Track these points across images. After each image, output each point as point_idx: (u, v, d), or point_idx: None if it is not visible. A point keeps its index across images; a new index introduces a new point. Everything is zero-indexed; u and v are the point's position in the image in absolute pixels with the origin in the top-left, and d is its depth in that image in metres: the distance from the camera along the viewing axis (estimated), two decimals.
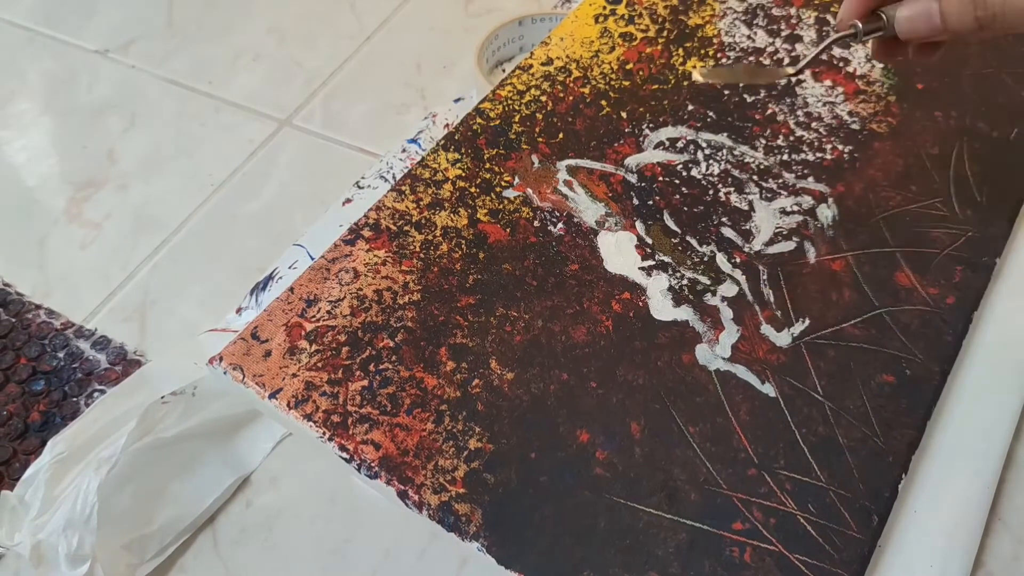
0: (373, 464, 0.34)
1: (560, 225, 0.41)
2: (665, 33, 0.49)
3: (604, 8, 0.51)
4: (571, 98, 0.46)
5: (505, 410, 0.35)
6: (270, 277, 0.47)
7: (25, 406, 0.44)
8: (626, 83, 0.47)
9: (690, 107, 0.45)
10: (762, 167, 0.43)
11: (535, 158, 0.44)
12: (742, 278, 0.39)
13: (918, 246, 0.39)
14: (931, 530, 0.33)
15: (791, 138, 0.44)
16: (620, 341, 0.37)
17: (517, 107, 0.46)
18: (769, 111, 0.45)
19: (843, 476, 0.33)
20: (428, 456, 0.34)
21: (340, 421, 0.35)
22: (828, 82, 0.46)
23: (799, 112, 0.44)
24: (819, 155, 0.43)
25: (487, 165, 0.43)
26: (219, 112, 0.59)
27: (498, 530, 0.32)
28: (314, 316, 0.38)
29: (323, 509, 0.40)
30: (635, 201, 0.42)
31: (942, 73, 0.46)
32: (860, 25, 0.35)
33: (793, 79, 0.35)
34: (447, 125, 0.54)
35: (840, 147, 0.43)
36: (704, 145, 0.44)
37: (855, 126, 0.44)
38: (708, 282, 0.39)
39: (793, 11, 0.49)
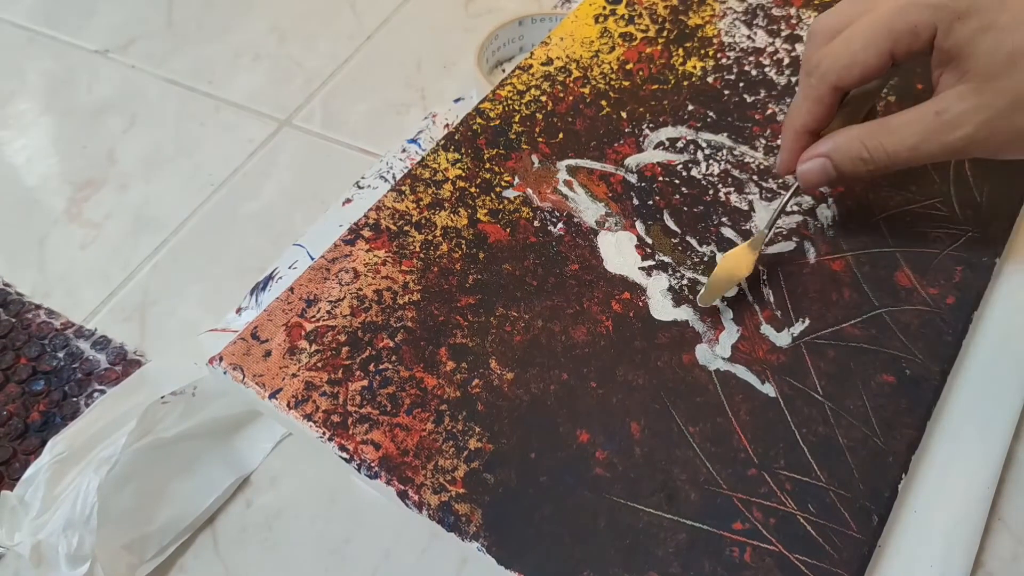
0: (373, 464, 0.34)
1: (560, 225, 0.41)
2: (665, 33, 0.49)
3: (604, 8, 0.51)
4: (571, 98, 0.46)
5: (505, 410, 0.35)
6: (270, 277, 0.47)
7: (25, 406, 0.44)
8: (626, 83, 0.47)
9: (690, 107, 0.45)
10: (762, 167, 0.43)
11: (535, 158, 0.44)
12: None
13: (918, 246, 0.39)
14: (931, 530, 0.33)
15: None
16: (620, 341, 0.37)
17: (517, 107, 0.46)
18: (769, 111, 0.45)
19: (843, 476, 0.33)
20: (428, 456, 0.34)
21: (340, 421, 0.35)
22: None
23: None
24: None
25: (487, 165, 0.43)
26: (219, 112, 0.59)
27: (498, 530, 0.32)
28: (314, 316, 0.38)
29: (323, 509, 0.40)
30: (635, 201, 0.42)
31: None
32: (795, 179, 0.38)
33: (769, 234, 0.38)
34: (447, 125, 0.54)
35: None
36: (704, 145, 0.44)
37: None
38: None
39: (793, 11, 0.49)
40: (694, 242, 0.40)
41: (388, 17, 0.64)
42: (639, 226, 0.41)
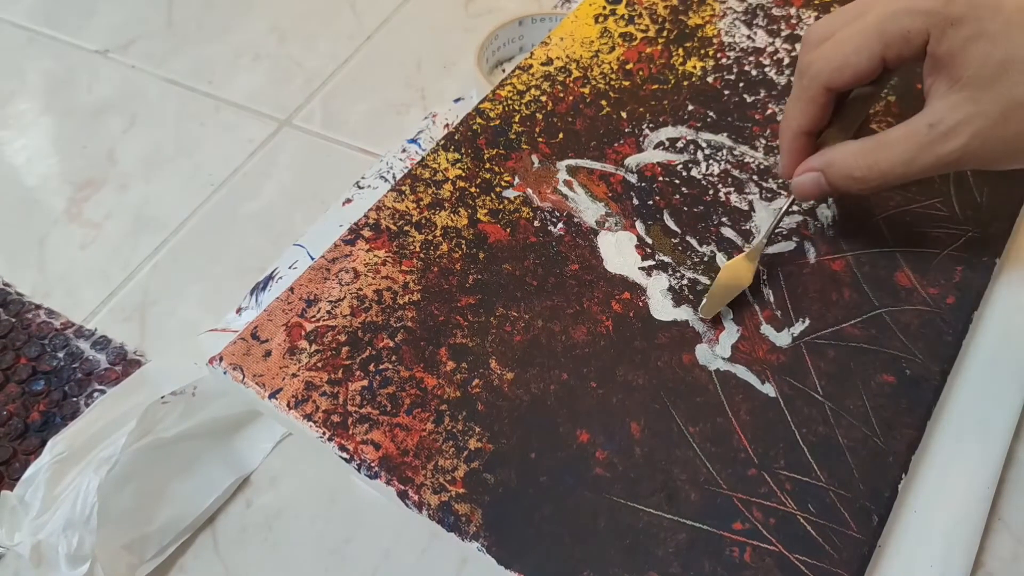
0: (373, 464, 0.34)
1: (560, 225, 0.41)
2: (665, 33, 0.49)
3: (604, 8, 0.51)
4: (571, 98, 0.46)
5: (505, 410, 0.35)
6: (270, 277, 0.47)
7: (25, 406, 0.44)
8: (626, 83, 0.47)
9: (690, 107, 0.45)
10: (762, 167, 0.43)
11: (535, 158, 0.44)
12: None
13: (918, 246, 0.39)
14: (931, 530, 0.33)
15: None
16: (620, 341, 0.37)
17: (517, 107, 0.46)
18: (769, 111, 0.45)
19: (843, 476, 0.33)
20: (428, 456, 0.34)
21: (340, 421, 0.35)
22: None
23: None
24: None
25: (487, 165, 0.43)
26: (219, 112, 0.59)
27: (498, 530, 0.32)
28: (314, 316, 0.38)
29: (323, 509, 0.40)
30: (635, 201, 0.42)
31: None
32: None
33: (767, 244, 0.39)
34: (447, 125, 0.54)
35: None
36: (704, 145, 0.44)
37: None
38: (708, 282, 0.39)
39: (793, 11, 0.49)
40: (694, 242, 0.40)
41: (388, 17, 0.64)
42: (639, 226, 0.41)
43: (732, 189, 0.42)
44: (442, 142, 0.45)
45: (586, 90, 0.47)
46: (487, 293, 0.39)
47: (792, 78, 0.46)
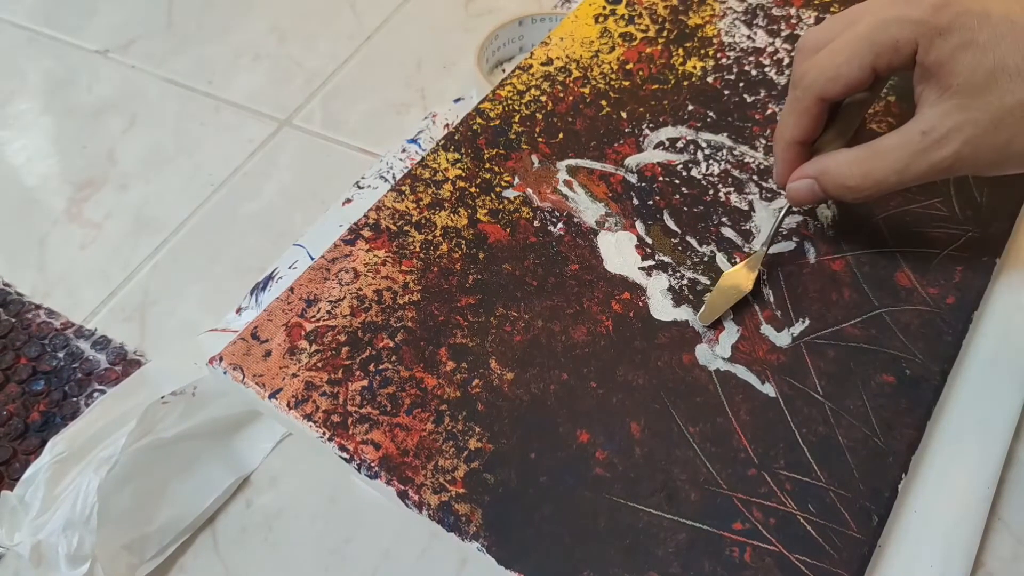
0: (373, 464, 0.34)
1: (560, 225, 0.41)
2: (665, 33, 0.49)
3: (604, 8, 0.51)
4: (571, 98, 0.46)
5: (505, 410, 0.35)
6: (270, 277, 0.47)
7: (25, 406, 0.44)
8: (626, 83, 0.47)
9: (690, 107, 0.45)
10: (762, 167, 0.43)
11: (535, 158, 0.44)
12: None
13: (918, 246, 0.39)
14: (931, 530, 0.33)
15: None
16: (620, 341, 0.37)
17: (517, 107, 0.46)
18: (769, 111, 0.45)
19: (843, 476, 0.33)
20: (428, 456, 0.34)
21: (340, 421, 0.35)
22: None
23: None
24: None
25: (487, 165, 0.44)
26: (219, 112, 0.59)
27: (498, 530, 0.32)
28: (314, 316, 0.38)
29: (323, 509, 0.40)
30: (635, 201, 0.42)
31: None
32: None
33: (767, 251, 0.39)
34: (447, 125, 0.54)
35: None
36: (704, 145, 0.44)
37: None
38: (708, 282, 0.39)
39: (793, 11, 0.49)
40: (694, 242, 0.40)
41: (388, 17, 0.64)
42: (639, 226, 0.41)
43: (732, 189, 0.42)
44: (442, 142, 0.45)
45: (586, 90, 0.47)
46: (487, 293, 0.39)
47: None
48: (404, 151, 0.53)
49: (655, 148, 0.44)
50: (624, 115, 0.45)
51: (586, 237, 0.41)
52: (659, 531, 0.32)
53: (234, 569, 0.39)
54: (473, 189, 0.43)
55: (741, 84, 0.46)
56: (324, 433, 0.35)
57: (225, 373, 0.36)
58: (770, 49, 0.48)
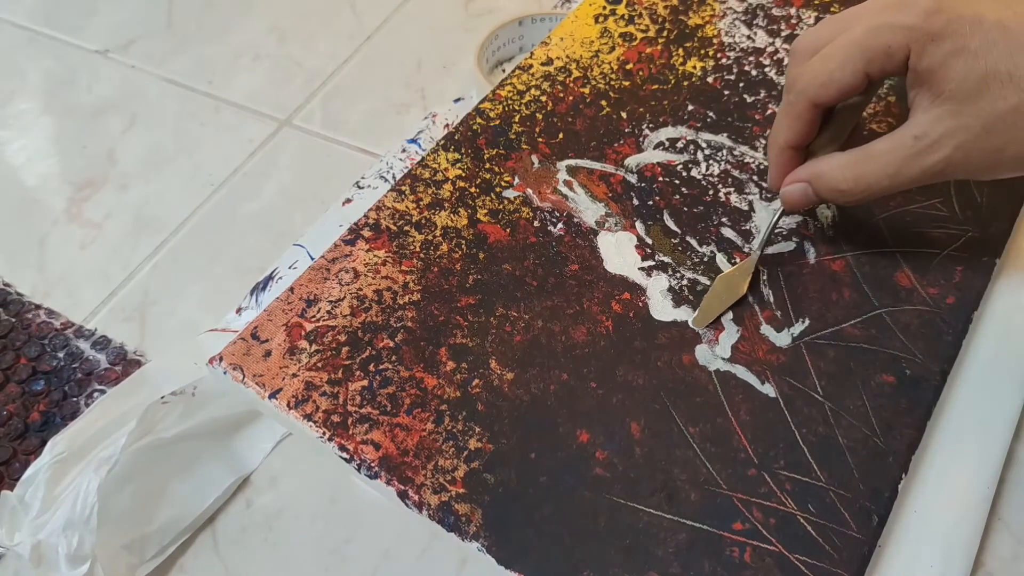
0: (373, 464, 0.34)
1: (560, 225, 0.41)
2: (665, 33, 0.49)
3: (604, 8, 0.51)
4: (571, 98, 0.46)
5: (505, 410, 0.35)
6: (270, 277, 0.47)
7: (25, 406, 0.45)
8: (626, 83, 0.47)
9: (690, 107, 0.45)
10: (762, 167, 0.43)
11: (535, 158, 0.44)
12: None
13: (918, 246, 0.39)
14: (931, 530, 0.33)
15: None
16: (620, 341, 0.37)
17: (517, 107, 0.46)
18: (769, 111, 0.45)
19: (843, 476, 0.33)
20: (428, 456, 0.34)
21: (340, 421, 0.35)
22: None
23: None
24: None
25: (487, 165, 0.44)
26: (219, 112, 0.59)
27: (498, 530, 0.32)
28: (314, 316, 0.38)
29: (323, 509, 0.40)
30: (635, 201, 0.42)
31: None
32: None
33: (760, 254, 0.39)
34: (447, 125, 0.54)
35: None
36: (704, 145, 0.44)
37: None
38: (708, 282, 0.39)
39: (793, 11, 0.49)
40: (694, 242, 0.40)
41: (388, 17, 0.64)
42: (639, 226, 0.41)
43: (732, 189, 0.42)
44: (442, 142, 0.45)
45: (586, 90, 0.47)
46: (487, 293, 0.39)
47: None
48: (404, 151, 0.53)
49: (655, 148, 0.44)
50: (624, 115, 0.45)
51: (586, 237, 0.41)
52: (659, 531, 0.32)
53: (234, 569, 0.39)
54: (473, 189, 0.43)
55: (741, 84, 0.46)
56: (324, 433, 0.35)
57: (225, 373, 0.36)
58: (770, 49, 0.48)
